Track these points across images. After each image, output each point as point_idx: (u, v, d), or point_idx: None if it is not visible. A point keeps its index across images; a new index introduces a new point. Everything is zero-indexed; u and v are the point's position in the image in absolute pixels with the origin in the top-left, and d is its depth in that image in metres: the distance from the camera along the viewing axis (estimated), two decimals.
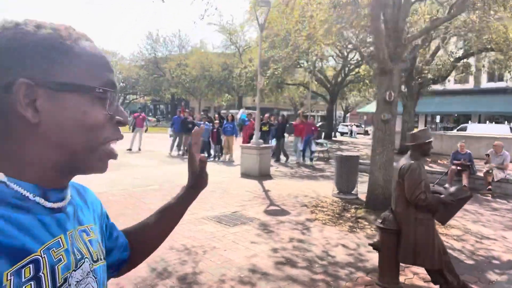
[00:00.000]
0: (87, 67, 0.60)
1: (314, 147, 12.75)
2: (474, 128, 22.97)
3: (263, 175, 9.71)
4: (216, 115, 16.12)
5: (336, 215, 6.09)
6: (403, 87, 15.57)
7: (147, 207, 6.19)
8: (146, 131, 15.22)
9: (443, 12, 8.43)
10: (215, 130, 12.99)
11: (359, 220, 5.80)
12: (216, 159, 13.06)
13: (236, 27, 33.41)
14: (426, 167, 10.43)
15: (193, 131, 0.94)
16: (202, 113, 19.52)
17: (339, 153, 8.07)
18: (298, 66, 23.26)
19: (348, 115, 55.54)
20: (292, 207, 6.58)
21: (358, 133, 39.26)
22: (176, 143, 13.83)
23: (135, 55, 44.16)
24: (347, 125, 40.41)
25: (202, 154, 0.93)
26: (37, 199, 0.59)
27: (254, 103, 40.20)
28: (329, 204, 6.81)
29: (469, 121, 30.17)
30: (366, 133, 41.21)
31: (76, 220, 0.68)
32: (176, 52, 42.91)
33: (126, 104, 53.81)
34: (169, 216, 0.96)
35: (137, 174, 9.37)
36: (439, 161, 14.02)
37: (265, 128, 12.17)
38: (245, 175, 9.69)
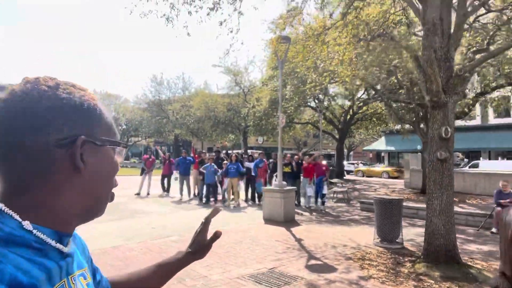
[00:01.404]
0: (110, 124, 0.71)
1: (325, 190, 11.24)
2: (485, 165, 22.33)
3: (288, 221, 8.90)
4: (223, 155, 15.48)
5: (391, 271, 5.25)
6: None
7: None
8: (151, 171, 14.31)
9: (483, 42, 8.03)
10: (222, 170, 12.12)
11: (421, 277, 4.97)
12: (224, 203, 11.99)
13: (240, 68, 33.74)
14: (458, 208, 9.65)
15: (213, 209, 1.06)
16: (212, 153, 18.90)
17: (378, 196, 7.32)
18: (305, 105, 23.04)
19: (351, 153, 55.10)
20: (335, 261, 5.75)
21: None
22: (184, 186, 13.03)
23: (139, 97, 44.46)
24: (353, 163, 39.77)
25: (220, 230, 1.02)
26: (58, 245, 0.63)
27: (257, 143, 39.87)
28: (376, 256, 5.98)
29: (480, 158, 29.53)
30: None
31: (76, 264, 0.71)
32: (180, 94, 43.16)
33: (129, 146, 53.51)
34: (163, 274, 0.99)
35: (153, 222, 8.55)
36: (467, 201, 13.19)
37: (287, 169, 11.35)
38: (269, 220, 8.87)
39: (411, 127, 16.20)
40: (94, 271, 0.86)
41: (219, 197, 12.58)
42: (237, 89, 34.98)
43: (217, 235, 1.02)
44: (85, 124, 0.64)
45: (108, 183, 0.70)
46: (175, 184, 13.73)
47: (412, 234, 7.70)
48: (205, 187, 12.27)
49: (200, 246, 1.02)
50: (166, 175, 14.13)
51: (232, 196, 11.85)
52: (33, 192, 0.62)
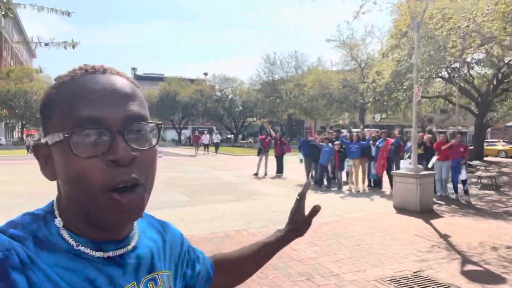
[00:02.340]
0: (61, 112, 0.57)
1: (464, 175, 9.03)
2: None
3: (425, 211, 7.64)
4: (346, 133, 14.23)
5: None
6: None
7: (297, 256, 4.89)
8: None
9: None
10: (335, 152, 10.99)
11: None
12: (336, 188, 10.89)
13: (357, 40, 31.50)
14: None
15: (305, 183, 0.99)
16: (329, 132, 17.94)
17: None
18: (437, 76, 20.07)
19: (488, 130, 47.46)
20: (501, 268, 4.51)
21: None
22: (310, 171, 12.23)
23: (254, 78, 45.55)
24: (492, 142, 34.13)
25: (318, 204, 0.94)
26: (82, 248, 0.58)
27: (374, 121, 37.13)
28: None
29: None
30: None
31: (145, 268, 0.65)
32: (293, 73, 42.77)
33: (245, 127, 55.85)
34: (265, 253, 0.96)
35: (272, 205, 8.29)
36: None
37: (420, 151, 9.78)
38: (401, 210, 7.76)
39: None
40: (193, 263, 0.84)
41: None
42: (352, 64, 32.91)
43: (316, 210, 0.94)
44: (46, 124, 0.59)
45: (75, 185, 0.56)
46: (293, 165, 13.39)
47: None
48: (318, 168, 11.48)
49: (299, 223, 0.96)
50: (278, 156, 13.84)
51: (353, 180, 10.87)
52: (58, 195, 0.61)
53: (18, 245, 0.52)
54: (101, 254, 0.59)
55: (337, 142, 11.26)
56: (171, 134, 54.89)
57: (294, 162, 14.06)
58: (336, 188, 10.82)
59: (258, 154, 14.11)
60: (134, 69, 64.63)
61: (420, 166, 8.07)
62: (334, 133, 12.89)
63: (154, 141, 0.61)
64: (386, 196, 9.57)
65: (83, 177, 0.55)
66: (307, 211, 0.97)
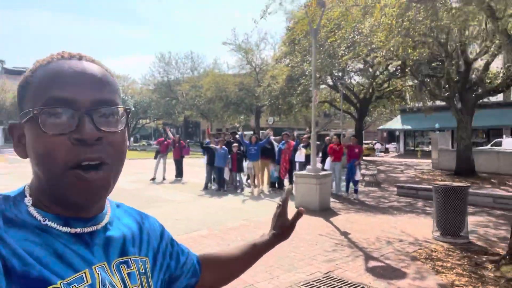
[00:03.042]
0: (34, 92, 0.59)
1: (359, 176, 9.60)
2: (509, 143, 21.20)
3: (323, 209, 8.02)
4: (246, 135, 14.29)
5: (474, 275, 4.35)
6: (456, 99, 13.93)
7: None
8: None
9: None
10: (233, 154, 10.92)
11: None
12: (239, 190, 10.81)
13: (251, 45, 32.41)
14: (500, 192, 8.66)
15: (286, 190, 1.04)
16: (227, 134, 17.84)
17: (438, 183, 6.33)
18: (321, 82, 21.79)
19: (363, 132, 53.84)
20: (400, 262, 4.86)
21: (380, 151, 37.63)
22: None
23: (147, 78, 43.43)
24: (366, 143, 38.74)
25: (302, 208, 0.99)
26: (50, 223, 0.59)
27: (267, 124, 38.82)
28: (446, 255, 5.07)
29: (503, 136, 28.19)
30: (386, 151, 39.47)
31: (117, 251, 0.66)
32: (189, 74, 42.03)
33: (138, 129, 52.80)
34: (252, 255, 0.99)
35: (175, 213, 7.73)
36: (508, 183, 12.19)
37: (308, 152, 10.31)
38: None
39: (445, 103, 15.00)
40: (178, 254, 0.84)
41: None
42: (248, 68, 33.76)
43: (299, 214, 0.98)
44: (19, 104, 0.61)
45: (41, 161, 0.58)
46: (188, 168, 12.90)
47: (470, 225, 6.76)
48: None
49: (284, 227, 1.00)
50: (177, 160, 13.24)
51: (254, 183, 10.92)
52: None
53: None
54: (68, 230, 0.60)
55: (235, 144, 11.18)
56: None
57: (193, 165, 13.64)
58: (239, 191, 10.70)
59: (155, 157, 13.26)
60: (1, 62, 55.68)
61: (319, 166, 8.44)
62: (231, 135, 12.87)
63: (121, 126, 0.63)
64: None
65: (48, 154, 0.57)
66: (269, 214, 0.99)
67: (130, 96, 45.57)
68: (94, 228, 0.64)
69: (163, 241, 0.81)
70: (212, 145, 11.07)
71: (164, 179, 12.73)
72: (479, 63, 13.84)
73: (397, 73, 18.75)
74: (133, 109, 45.81)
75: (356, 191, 9.49)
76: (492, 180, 12.73)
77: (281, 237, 1.01)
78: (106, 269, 0.63)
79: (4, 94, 46.01)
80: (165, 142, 13.21)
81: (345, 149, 9.91)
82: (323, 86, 24.11)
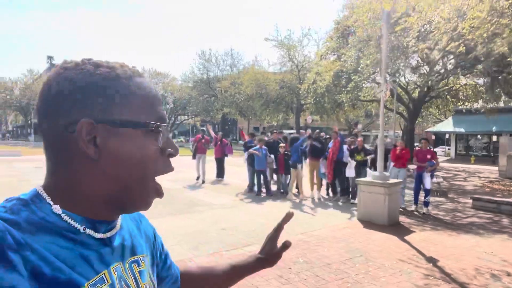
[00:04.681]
0: (141, 103, 0.62)
1: (429, 184, 8.06)
2: None
3: (392, 224, 6.81)
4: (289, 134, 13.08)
5: None
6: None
7: None
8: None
9: None
10: (280, 155, 9.86)
11: None
12: (285, 194, 9.70)
13: (294, 42, 31.20)
14: None
15: (286, 214, 0.96)
16: (269, 134, 16.72)
17: None
18: (373, 80, 20.23)
19: (414, 135, 50.97)
20: None
21: None
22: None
23: (187, 75, 43.39)
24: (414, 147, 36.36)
25: (289, 240, 0.95)
26: (88, 231, 0.60)
27: (306, 123, 37.42)
28: None
29: None
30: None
31: (129, 251, 0.69)
32: (228, 71, 41.48)
33: (176, 125, 53.13)
34: (235, 276, 0.97)
35: (220, 220, 6.81)
36: None
37: (359, 158, 9.00)
38: (367, 223, 6.82)
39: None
40: (166, 257, 0.86)
41: (274, 187, 10.47)
42: (289, 65, 32.58)
43: (286, 246, 0.95)
44: (98, 105, 0.59)
45: (136, 168, 0.61)
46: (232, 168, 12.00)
47: None
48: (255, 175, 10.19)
49: (270, 254, 0.96)
50: (219, 158, 12.31)
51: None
52: (59, 177, 0.61)
53: (11, 228, 0.53)
54: (101, 236, 0.62)
55: (282, 144, 10.13)
56: None
57: (234, 165, 12.74)
58: (287, 196, 9.62)
59: (193, 157, 12.05)
60: (50, 57, 58.02)
61: (386, 173, 7.21)
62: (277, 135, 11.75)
63: None
64: (344, 205, 8.66)
65: (149, 162, 0.62)
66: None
67: (170, 92, 45.83)
68: (114, 231, 0.66)
69: (157, 241, 0.83)
70: (252, 150, 9.98)
71: (203, 182, 11.65)
72: None
73: (458, 70, 16.86)
74: (172, 105, 46.14)
75: (427, 204, 8.10)
76: None
77: (266, 263, 0.96)
78: (121, 269, 0.65)
79: None
80: (203, 140, 11.93)
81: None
82: (367, 84, 22.51)
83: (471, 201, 9.23)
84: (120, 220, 0.70)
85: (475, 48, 8.11)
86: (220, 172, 12.42)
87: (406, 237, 6.03)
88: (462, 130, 33.51)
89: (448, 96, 24.46)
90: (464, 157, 33.10)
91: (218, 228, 6.29)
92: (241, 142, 40.04)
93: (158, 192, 0.65)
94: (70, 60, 0.63)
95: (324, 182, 9.86)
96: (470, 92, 22.92)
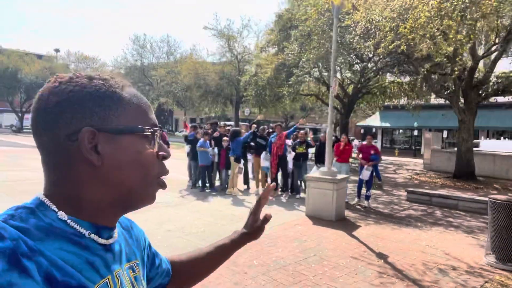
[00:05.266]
0: (135, 111, 0.66)
1: (367, 176, 8.21)
2: (486, 145, 21.04)
3: (339, 219, 6.91)
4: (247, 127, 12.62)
5: None
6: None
7: None
8: None
9: None
10: (222, 150, 9.61)
11: None
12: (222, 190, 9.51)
13: (234, 32, 30.78)
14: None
15: (265, 186, 1.01)
16: (205, 125, 16.18)
17: (497, 197, 5.28)
18: (310, 75, 20.65)
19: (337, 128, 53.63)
20: None
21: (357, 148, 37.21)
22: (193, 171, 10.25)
23: (119, 61, 40.75)
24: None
25: (269, 213, 1.00)
26: (92, 236, 0.63)
27: (243, 115, 37.43)
28: None
29: (481, 137, 28.34)
30: None
31: (125, 257, 0.71)
32: (165, 59, 39.78)
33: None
34: (220, 255, 1.00)
35: (166, 221, 6.33)
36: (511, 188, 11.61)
37: (300, 149, 9.08)
38: (315, 219, 6.84)
39: (447, 101, 14.22)
40: (154, 256, 0.88)
41: (217, 182, 10.23)
42: (228, 56, 32.11)
43: (267, 218, 1.00)
44: (97, 114, 0.62)
45: (137, 171, 0.64)
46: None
47: None
48: (198, 170, 9.80)
49: (254, 227, 1.00)
50: None
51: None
52: (62, 185, 0.62)
53: (23, 236, 0.54)
54: (105, 242, 0.65)
55: (225, 138, 9.83)
56: (9, 119, 44.99)
57: (172, 157, 12.16)
58: (227, 192, 9.33)
59: None
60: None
61: (334, 169, 7.28)
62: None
63: None
64: (287, 202, 8.64)
65: (149, 165, 0.66)
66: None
67: None
68: (114, 238, 0.68)
69: (146, 244, 0.85)
70: (201, 148, 9.52)
71: None
72: (487, 60, 13.15)
73: (388, 68, 17.89)
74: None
75: (368, 197, 8.39)
76: (495, 185, 12.13)
77: (250, 237, 1.01)
78: (122, 274, 0.67)
79: None
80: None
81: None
82: (308, 78, 22.99)
83: (405, 193, 9.81)
84: (117, 228, 0.72)
85: (415, 48, 8.52)
86: None
87: (354, 233, 6.14)
88: (388, 124, 35.97)
89: (377, 93, 26.01)
90: (389, 149, 35.62)
91: (164, 230, 5.84)
92: (177, 133, 38.73)
93: (162, 185, 0.69)
94: (62, 75, 0.65)
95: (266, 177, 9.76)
96: (396, 89, 24.62)
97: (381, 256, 5.07)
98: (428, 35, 7.47)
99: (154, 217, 6.63)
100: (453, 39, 7.50)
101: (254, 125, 10.34)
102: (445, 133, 28.43)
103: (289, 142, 9.24)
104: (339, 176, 7.09)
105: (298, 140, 9.23)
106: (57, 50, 47.56)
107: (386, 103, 29.56)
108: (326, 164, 7.18)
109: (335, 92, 7.27)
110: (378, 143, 36.97)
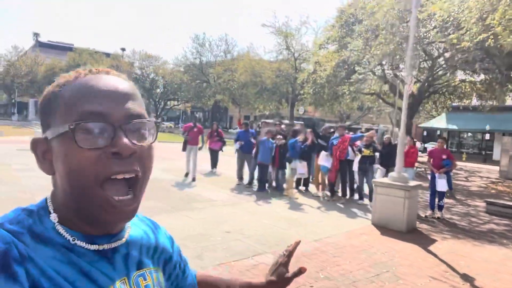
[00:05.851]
0: (65, 106, 0.59)
1: (443, 186, 7.36)
2: None
3: (410, 231, 6.26)
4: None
5: None
6: None
7: None
8: (200, 148, 10.46)
9: None
10: (276, 148, 9.06)
11: None
12: (280, 190, 9.02)
13: (292, 29, 30.28)
14: None
15: (295, 242, 0.97)
16: (260, 123, 16.02)
17: None
18: (372, 72, 19.54)
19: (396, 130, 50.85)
20: None
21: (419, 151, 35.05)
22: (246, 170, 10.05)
23: (179, 59, 42.02)
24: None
25: (304, 267, 0.92)
26: (78, 242, 0.59)
27: (297, 114, 36.73)
28: None
29: None
30: (425, 151, 36.78)
31: (135, 264, 0.67)
32: (222, 57, 40.34)
33: (166, 110, 51.88)
34: None
35: (223, 221, 6.14)
36: None
37: (367, 152, 8.39)
38: (383, 228, 6.25)
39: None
40: (184, 266, 0.86)
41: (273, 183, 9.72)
42: (285, 53, 31.69)
43: (301, 272, 0.92)
44: (46, 121, 0.61)
45: (73, 179, 0.57)
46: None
47: None
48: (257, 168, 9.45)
49: (281, 279, 0.93)
50: (215, 150, 11.46)
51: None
52: (53, 191, 0.62)
53: (16, 240, 0.53)
54: (96, 247, 0.61)
55: (279, 136, 9.44)
56: None
57: (225, 154, 11.93)
58: (284, 193, 8.94)
59: (183, 149, 10.33)
60: (36, 34, 55.70)
61: (406, 175, 6.62)
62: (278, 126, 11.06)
63: (151, 139, 0.63)
64: (345, 207, 8.08)
65: (83, 169, 0.56)
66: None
67: (161, 76, 44.52)
68: (118, 243, 0.64)
69: (174, 252, 0.82)
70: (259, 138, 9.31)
71: (193, 180, 9.86)
72: None
73: (463, 65, 16.35)
74: (162, 89, 44.81)
75: (441, 207, 7.55)
76: None
77: (277, 286, 0.93)
78: (125, 284, 0.63)
79: (37, 67, 45.86)
80: (195, 130, 10.25)
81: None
82: (371, 76, 21.81)
83: (482, 204, 8.79)
84: (130, 231, 0.69)
85: (500, 42, 7.52)
86: (214, 164, 11.67)
87: (430, 248, 5.48)
88: (454, 127, 33.39)
89: (446, 92, 24.08)
90: (455, 154, 32.99)
91: (222, 230, 5.63)
92: (231, 130, 39.17)
93: (108, 203, 0.58)
94: (67, 75, 0.63)
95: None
96: (468, 89, 22.59)
97: (466, 278, 4.42)
98: None
99: (211, 215, 6.47)
100: None
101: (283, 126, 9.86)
102: None
103: (358, 143, 8.60)
104: (411, 183, 6.42)
105: (364, 142, 8.63)
106: (123, 49, 50.29)
107: (454, 104, 27.46)
108: (396, 169, 6.55)
109: (410, 90, 6.59)
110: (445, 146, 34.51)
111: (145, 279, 0.68)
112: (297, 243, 0.96)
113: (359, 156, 8.49)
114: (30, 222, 0.57)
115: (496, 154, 31.28)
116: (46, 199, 0.62)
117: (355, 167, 8.45)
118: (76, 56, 42.26)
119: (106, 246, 0.62)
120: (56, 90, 0.60)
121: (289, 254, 0.95)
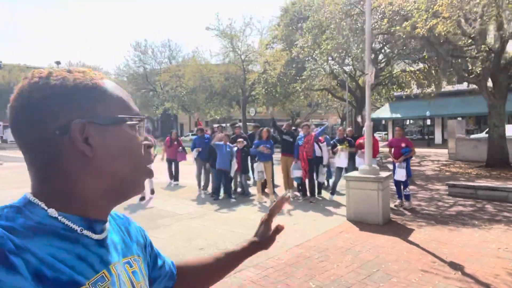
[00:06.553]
0: (119, 101, 0.65)
1: (402, 176, 7.25)
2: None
3: (386, 222, 6.17)
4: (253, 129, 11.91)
5: None
6: (489, 82, 12.37)
7: None
8: (162, 159, 10.66)
9: None
10: (237, 152, 8.79)
11: None
12: (246, 195, 8.82)
13: (236, 31, 30.04)
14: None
15: (280, 196, 1.00)
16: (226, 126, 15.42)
17: None
18: (320, 69, 19.81)
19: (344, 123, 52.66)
20: None
21: None
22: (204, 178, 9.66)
23: (121, 68, 40.18)
24: None
25: (281, 224, 0.98)
26: (85, 232, 0.61)
27: (249, 115, 36.60)
28: None
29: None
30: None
31: (121, 252, 0.70)
32: (167, 64, 39.15)
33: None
34: (229, 262, 0.98)
35: (193, 236, 5.61)
36: None
37: (344, 147, 8.38)
38: (360, 223, 6.10)
39: (475, 86, 13.38)
40: (156, 257, 0.86)
41: (238, 189, 9.38)
42: (232, 56, 31.39)
43: (279, 229, 0.99)
44: (84, 106, 0.61)
45: (128, 160, 0.65)
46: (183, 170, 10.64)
47: None
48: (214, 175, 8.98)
49: (265, 237, 0.99)
50: (174, 160, 10.88)
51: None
52: (52, 181, 0.61)
53: (9, 234, 0.53)
54: (99, 237, 0.63)
55: (240, 139, 9.09)
56: None
57: (184, 163, 11.30)
58: (251, 198, 8.58)
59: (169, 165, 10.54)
60: None
61: (376, 167, 6.53)
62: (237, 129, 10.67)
63: None
64: (315, 204, 7.91)
65: (138, 152, 0.66)
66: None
67: None
68: (106, 232, 0.67)
69: (147, 242, 0.84)
70: (214, 142, 8.79)
71: (152, 192, 9.06)
72: None
73: (405, 56, 17.08)
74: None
75: (407, 196, 7.53)
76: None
77: (261, 246, 0.99)
78: (119, 267, 0.66)
79: None
80: (175, 144, 10.47)
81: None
82: (323, 72, 22.12)
83: (443, 187, 9.04)
84: (109, 222, 0.71)
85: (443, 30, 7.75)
86: (176, 177, 10.99)
87: (411, 238, 5.38)
88: (398, 115, 35.03)
89: (389, 83, 25.15)
90: None
91: (196, 247, 5.12)
92: (183, 138, 38.10)
93: (149, 173, 0.69)
94: (40, 70, 0.64)
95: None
96: (408, 78, 23.77)
97: (454, 266, 4.32)
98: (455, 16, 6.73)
99: (180, 231, 5.93)
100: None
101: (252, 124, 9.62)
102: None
103: (322, 139, 8.41)
104: (383, 174, 6.34)
105: (337, 137, 8.52)
106: (58, 62, 47.06)
107: (397, 93, 28.79)
108: (366, 161, 6.44)
109: (372, 81, 6.51)
110: (389, 135, 36.13)
111: (131, 266, 0.70)
112: (285, 198, 0.98)
113: (342, 153, 8.28)
114: (19, 216, 0.57)
115: (438, 138, 33.35)
116: (26, 196, 0.61)
117: (344, 163, 8.22)
118: (5, 74, 38.80)
119: (104, 234, 0.65)
120: (99, 83, 0.64)
121: (271, 213, 0.98)
